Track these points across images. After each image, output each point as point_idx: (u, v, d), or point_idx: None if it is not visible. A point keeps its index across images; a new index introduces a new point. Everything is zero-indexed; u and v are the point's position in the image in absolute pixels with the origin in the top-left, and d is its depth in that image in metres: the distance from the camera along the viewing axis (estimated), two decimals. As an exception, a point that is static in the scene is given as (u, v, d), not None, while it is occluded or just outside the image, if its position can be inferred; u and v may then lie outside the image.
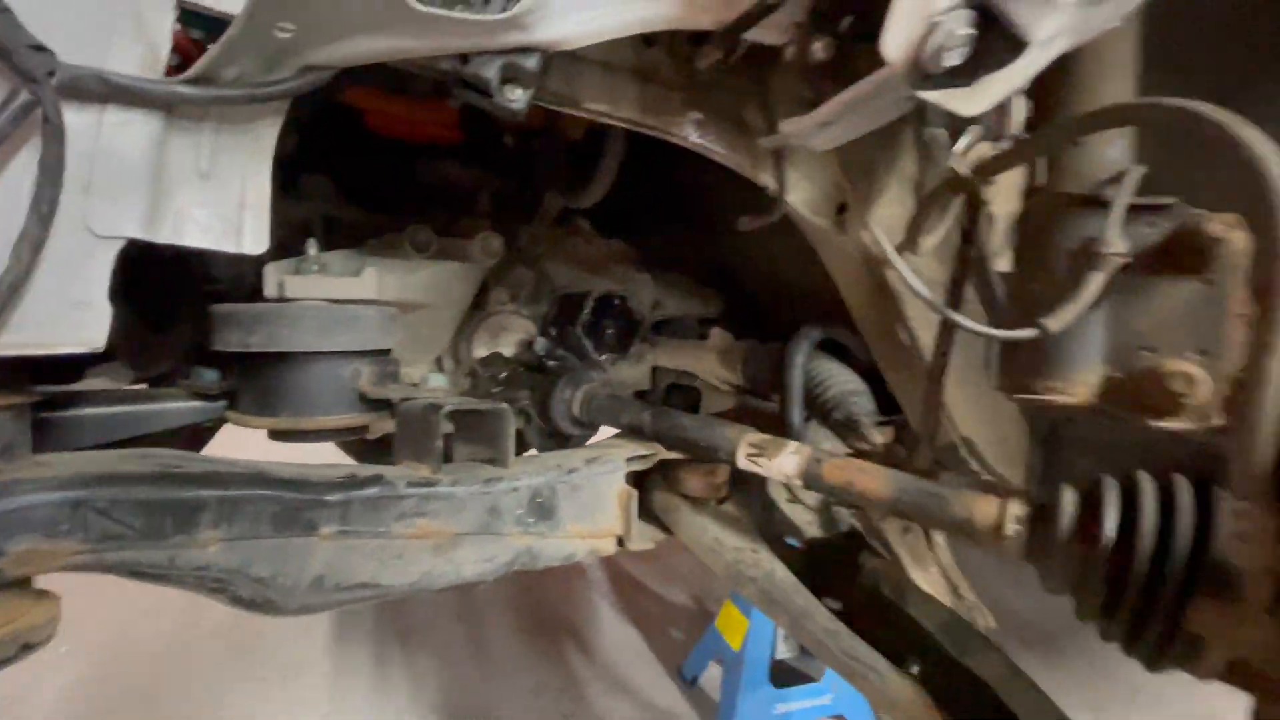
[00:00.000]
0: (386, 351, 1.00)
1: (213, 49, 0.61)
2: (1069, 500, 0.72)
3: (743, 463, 1.01)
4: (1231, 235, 0.61)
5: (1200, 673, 0.60)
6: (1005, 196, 0.81)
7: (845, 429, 1.31)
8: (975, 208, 0.87)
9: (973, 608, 1.16)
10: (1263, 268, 0.50)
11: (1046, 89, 0.71)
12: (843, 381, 1.33)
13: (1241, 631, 0.48)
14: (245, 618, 2.58)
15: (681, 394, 1.81)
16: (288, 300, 0.93)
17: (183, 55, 0.65)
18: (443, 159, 1.72)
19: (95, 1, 0.57)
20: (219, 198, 0.67)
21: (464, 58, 0.66)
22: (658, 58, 0.85)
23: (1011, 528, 0.75)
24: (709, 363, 1.72)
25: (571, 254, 1.65)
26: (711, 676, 2.31)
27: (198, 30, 0.67)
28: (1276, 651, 0.47)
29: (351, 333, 0.89)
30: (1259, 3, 0.96)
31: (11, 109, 0.54)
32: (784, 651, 2.15)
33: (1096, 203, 0.68)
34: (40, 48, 0.55)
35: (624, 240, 1.76)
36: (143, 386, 1.17)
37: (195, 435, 1.29)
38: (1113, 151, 0.73)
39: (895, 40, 0.49)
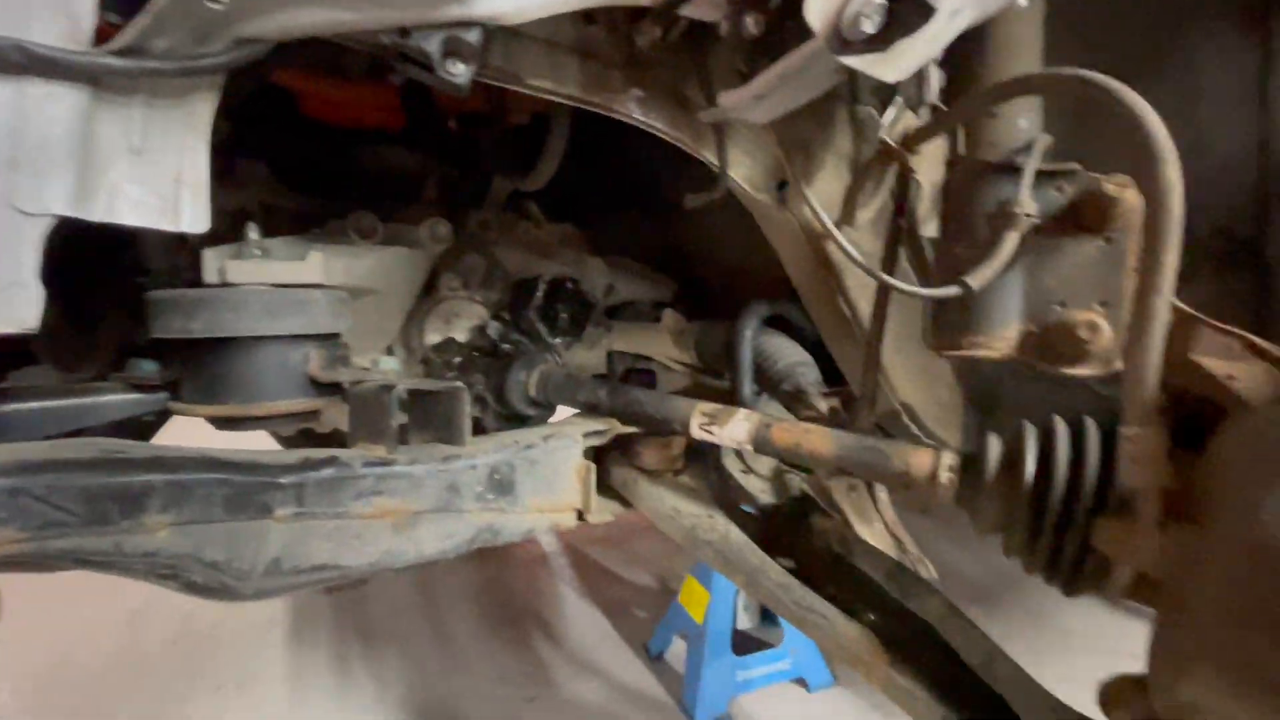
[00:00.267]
0: (336, 336, 0.99)
1: (140, 18, 0.59)
2: (994, 446, 0.78)
3: (696, 432, 1.04)
4: (1125, 195, 0.68)
5: (1110, 592, 0.67)
6: (930, 166, 0.86)
7: (793, 400, 1.36)
8: (905, 180, 0.92)
9: (916, 560, 1.23)
10: (1149, 219, 0.56)
11: (962, 64, 0.76)
12: (789, 355, 1.38)
13: (1138, 545, 0.54)
14: (195, 627, 2.49)
15: (639, 377, 1.84)
16: (231, 286, 0.91)
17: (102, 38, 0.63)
18: (386, 145, 1.69)
19: (11, -29, 0.55)
20: (153, 174, 0.65)
21: (404, 31, 0.67)
22: (598, 35, 0.86)
23: (945, 476, 0.80)
24: (663, 344, 1.76)
25: (522, 239, 1.65)
26: (676, 651, 2.36)
27: (114, 16, 0.65)
28: (1168, 560, 0.53)
29: (300, 316, 0.88)
30: None
31: (-76, 82, 0.52)
32: (744, 622, 2.22)
33: (1010, 169, 0.74)
34: (-48, 18, 0.52)
35: (575, 225, 1.77)
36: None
37: (139, 431, 1.24)
38: (1024, 122, 0.78)
39: (817, 9, 0.52)
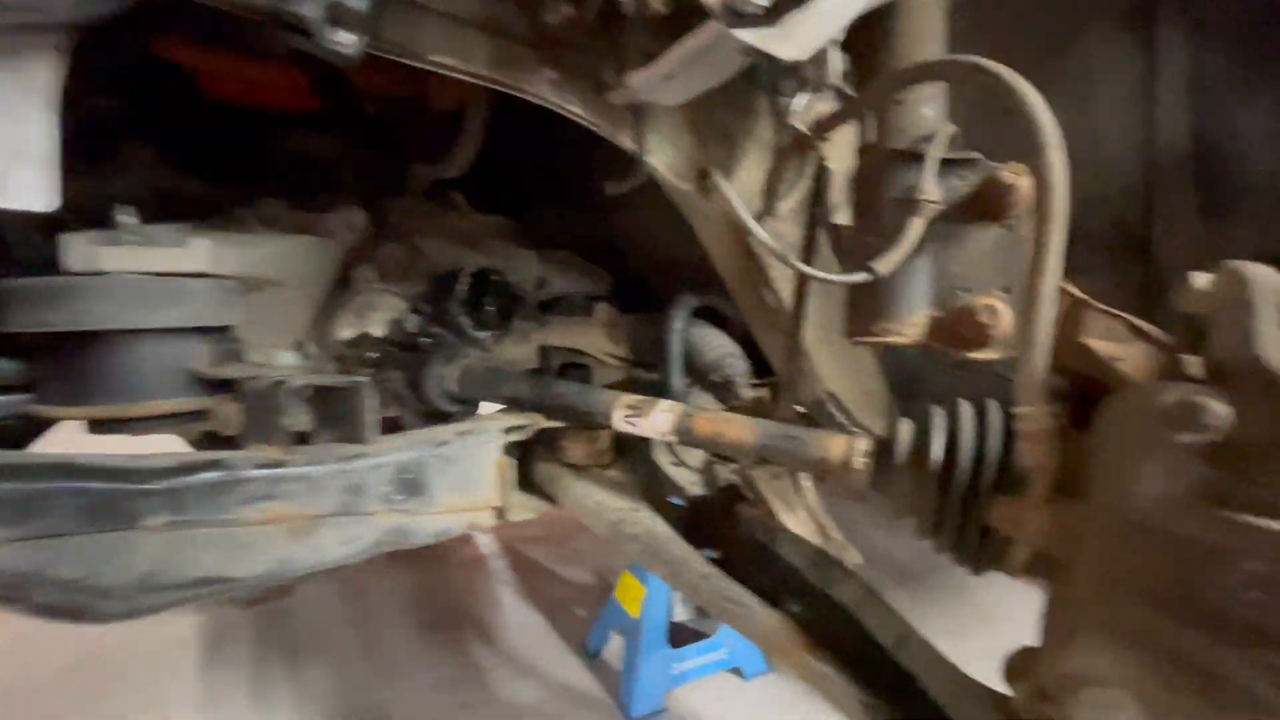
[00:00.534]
0: (227, 329, 0.91)
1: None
2: (904, 431, 0.79)
3: (620, 424, 1.02)
4: (1021, 182, 0.69)
5: (1011, 570, 0.69)
6: (842, 154, 0.87)
7: (723, 391, 1.36)
8: (821, 168, 0.93)
9: (841, 546, 1.25)
10: (1037, 202, 0.57)
11: (868, 52, 0.77)
12: (718, 346, 1.38)
13: (1028, 522, 0.55)
14: (94, 652, 2.28)
15: (576, 372, 1.81)
16: (101, 274, 0.82)
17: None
18: (298, 129, 1.60)
19: None
20: (-19, 144, 0.57)
21: (282, -5, 0.61)
22: (508, 11, 0.83)
23: (859, 461, 0.81)
24: (596, 338, 1.73)
25: (445, 229, 1.59)
26: (614, 647, 2.35)
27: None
28: (1056, 536, 0.55)
29: (179, 307, 0.80)
30: None
31: None
32: (680, 614, 2.23)
33: (915, 157, 0.75)
34: None
35: (507, 217, 1.72)
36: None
37: (13, 440, 1.12)
38: (929, 110, 0.80)
39: (712, -17, 0.51)
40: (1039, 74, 0.64)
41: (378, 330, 1.39)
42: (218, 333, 0.88)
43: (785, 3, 0.51)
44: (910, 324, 0.81)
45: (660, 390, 1.33)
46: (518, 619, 2.67)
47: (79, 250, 0.82)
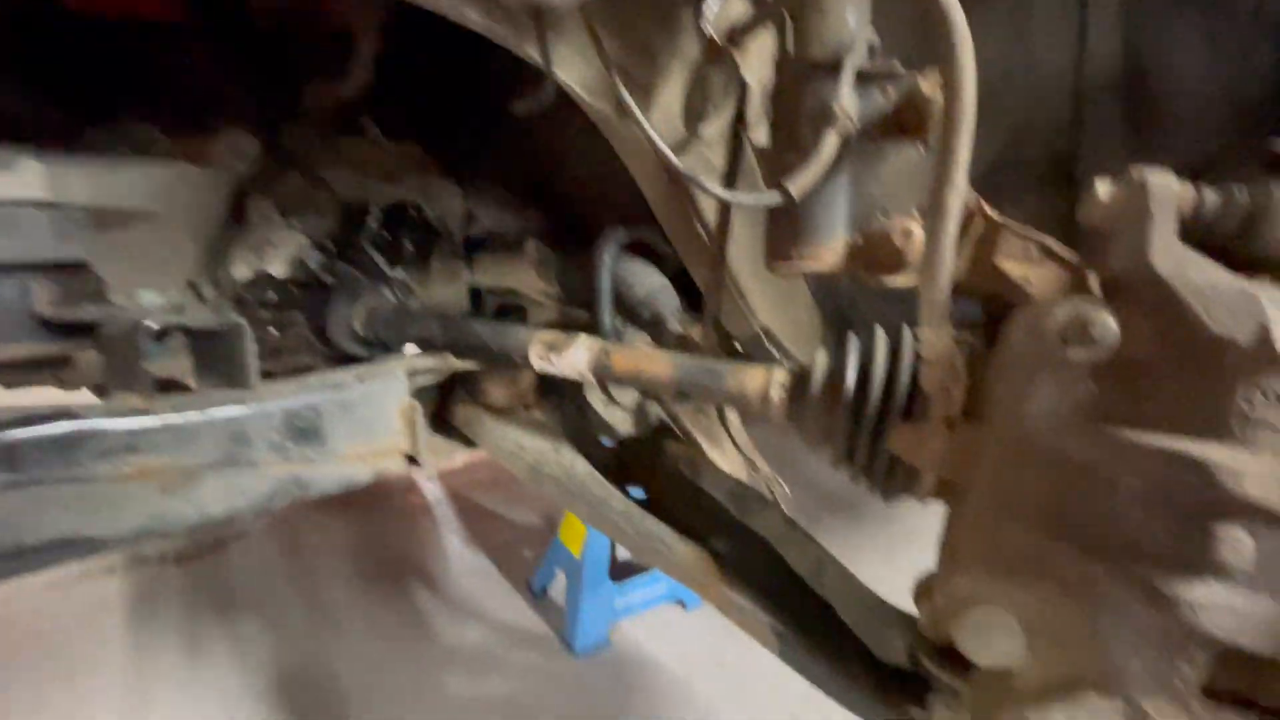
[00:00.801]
0: (81, 267, 0.81)
1: None
2: (820, 361, 0.77)
3: (536, 362, 0.98)
4: (938, 94, 0.65)
5: (920, 494, 0.69)
6: (760, 67, 0.81)
7: (654, 327, 1.32)
8: (742, 84, 0.86)
9: (768, 479, 1.26)
10: (944, 109, 0.53)
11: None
12: (648, 281, 1.33)
13: (928, 446, 0.54)
14: (3, 615, 2.13)
15: (512, 315, 1.73)
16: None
17: None
18: (175, 45, 1.41)
19: None
20: None
21: None
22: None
23: (776, 393, 0.79)
24: (527, 276, 1.65)
25: (354, 159, 1.46)
26: (559, 586, 2.38)
27: None
28: (954, 460, 0.53)
29: (6, 238, 0.70)
30: None
31: None
32: (623, 551, 2.26)
33: (833, 68, 0.69)
34: None
35: (427, 147, 1.59)
36: None
37: None
38: (851, 17, 0.74)
39: None
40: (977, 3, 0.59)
41: (279, 269, 1.28)
42: (66, 270, 0.78)
43: None
44: (829, 249, 0.78)
45: (593, 330, 1.28)
46: (463, 564, 2.66)
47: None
